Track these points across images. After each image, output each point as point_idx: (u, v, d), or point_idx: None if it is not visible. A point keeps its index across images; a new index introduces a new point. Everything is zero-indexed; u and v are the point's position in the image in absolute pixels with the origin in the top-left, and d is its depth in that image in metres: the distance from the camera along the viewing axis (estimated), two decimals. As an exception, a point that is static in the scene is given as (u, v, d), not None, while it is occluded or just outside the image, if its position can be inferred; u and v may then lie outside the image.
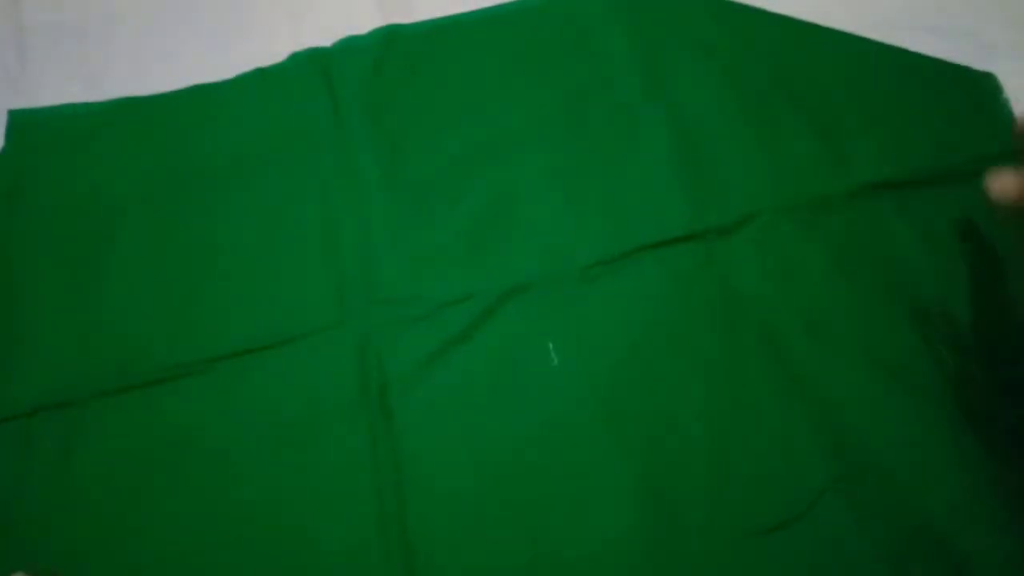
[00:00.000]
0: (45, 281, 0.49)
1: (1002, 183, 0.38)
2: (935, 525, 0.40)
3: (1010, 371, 0.44)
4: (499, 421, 0.44)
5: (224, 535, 0.41)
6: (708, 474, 0.42)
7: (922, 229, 0.49)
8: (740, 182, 0.51)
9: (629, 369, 0.45)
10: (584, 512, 0.42)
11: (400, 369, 0.46)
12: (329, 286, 0.49)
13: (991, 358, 0.45)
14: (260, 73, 0.57)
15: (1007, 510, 0.40)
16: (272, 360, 0.46)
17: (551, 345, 0.46)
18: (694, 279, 0.48)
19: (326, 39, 0.59)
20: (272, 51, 0.59)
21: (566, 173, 0.52)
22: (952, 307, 0.47)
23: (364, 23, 0.60)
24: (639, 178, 0.51)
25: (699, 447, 0.43)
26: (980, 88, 0.54)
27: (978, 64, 0.54)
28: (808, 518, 0.41)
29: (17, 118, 0.55)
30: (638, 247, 0.49)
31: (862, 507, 0.41)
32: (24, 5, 0.62)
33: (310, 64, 0.57)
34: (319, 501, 0.42)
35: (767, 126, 0.53)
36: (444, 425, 0.44)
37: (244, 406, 0.45)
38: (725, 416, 0.44)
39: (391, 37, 0.58)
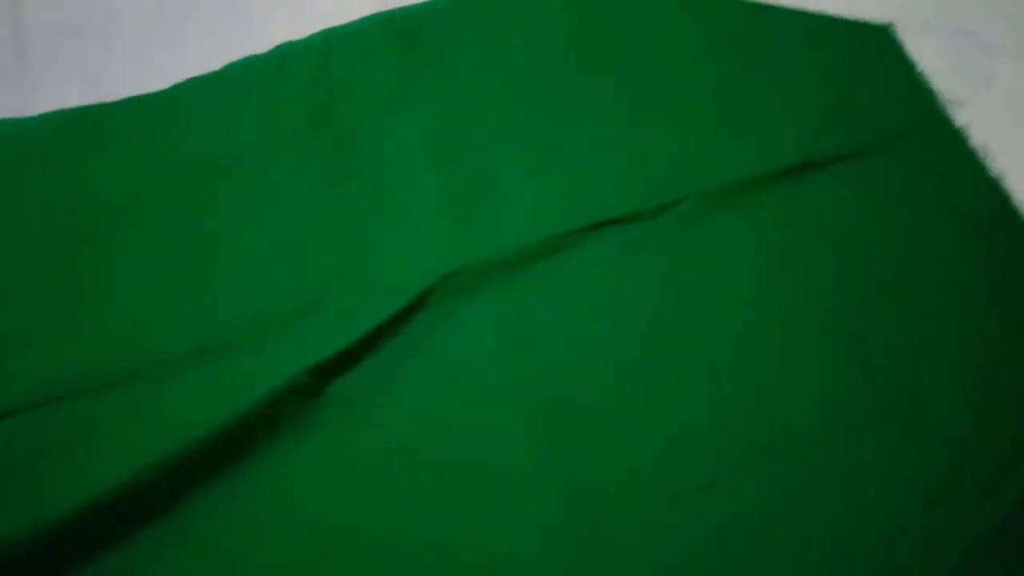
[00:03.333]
0: (35, 281, 0.49)
1: None
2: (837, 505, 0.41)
3: None
4: (428, 409, 0.45)
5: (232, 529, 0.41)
6: (633, 439, 0.43)
7: (847, 204, 0.51)
8: (678, 165, 0.52)
9: (560, 349, 0.46)
10: (505, 498, 0.42)
11: (329, 358, 0.46)
12: (298, 278, 0.49)
13: None
14: (217, 77, 0.57)
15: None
16: (262, 343, 0.46)
17: (485, 330, 0.47)
18: (633, 260, 0.49)
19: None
20: (270, 45, 0.59)
21: (526, 151, 0.53)
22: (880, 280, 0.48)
23: (364, 22, 0.61)
24: (590, 159, 0.53)
25: (627, 416, 0.44)
26: (882, 46, 0.56)
27: (978, 64, 0.54)
28: (723, 483, 0.42)
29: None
30: (584, 227, 0.50)
31: (774, 479, 0.42)
32: (24, 5, 0.61)
33: (248, 70, 0.57)
34: (332, 499, 0.42)
35: (710, 103, 0.55)
36: (376, 419, 0.45)
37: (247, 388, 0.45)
38: (654, 386, 0.45)
39: (331, 41, 0.59)
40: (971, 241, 0.49)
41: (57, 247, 0.50)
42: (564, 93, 0.56)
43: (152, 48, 0.60)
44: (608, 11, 0.59)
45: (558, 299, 0.48)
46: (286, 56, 0.58)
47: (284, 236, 0.51)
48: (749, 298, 0.48)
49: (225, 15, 0.62)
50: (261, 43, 0.60)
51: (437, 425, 0.44)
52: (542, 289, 0.48)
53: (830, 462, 0.43)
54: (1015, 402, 0.44)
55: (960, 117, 0.53)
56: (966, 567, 0.40)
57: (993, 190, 0.51)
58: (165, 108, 0.56)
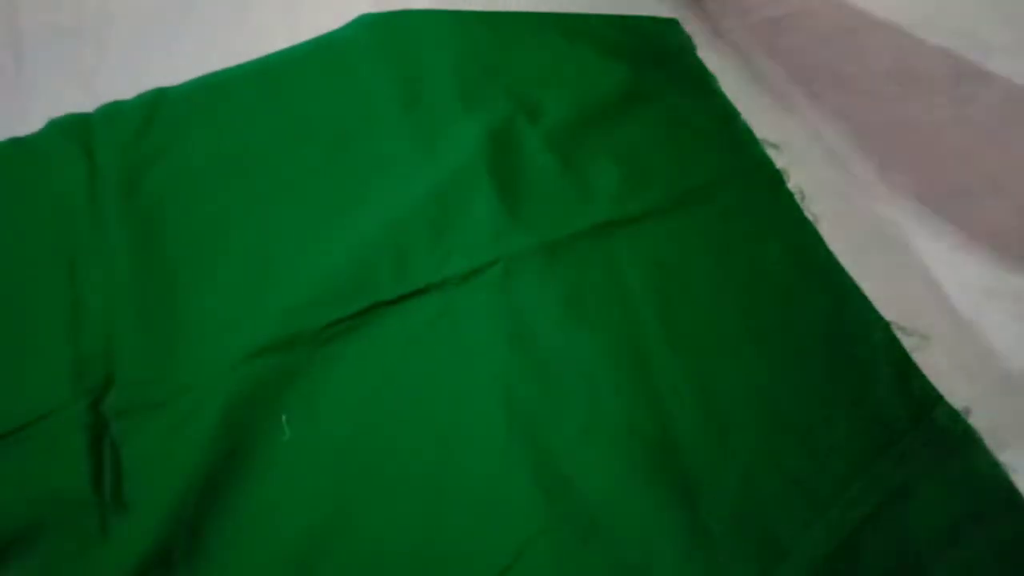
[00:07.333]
0: None
1: None
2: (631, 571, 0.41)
3: None
4: (226, 503, 0.43)
5: None
6: (424, 530, 0.42)
7: (653, 260, 0.50)
8: (484, 229, 0.51)
9: (359, 436, 0.45)
10: None
11: (136, 459, 0.43)
12: (65, 366, 0.46)
13: None
14: (15, 143, 0.54)
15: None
16: None
17: (285, 417, 0.45)
18: (429, 332, 0.47)
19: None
20: (267, 51, 0.59)
21: (318, 226, 0.51)
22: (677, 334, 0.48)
23: (359, 23, 0.60)
24: (389, 229, 0.51)
25: (417, 504, 0.43)
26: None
27: (978, 64, 0.53)
28: (516, 569, 0.41)
29: None
30: (376, 303, 0.48)
31: (565, 556, 0.41)
32: (20, 6, 0.62)
33: (69, 132, 0.54)
34: None
35: (515, 162, 0.53)
36: (177, 509, 0.42)
37: None
38: (446, 470, 0.43)
39: (157, 100, 0.56)
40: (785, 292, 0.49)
41: None
42: (364, 163, 0.54)
43: (148, 50, 0.60)
44: (413, 63, 0.58)
45: (362, 376, 0.46)
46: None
47: (45, 323, 0.48)
48: (559, 356, 0.47)
49: (221, 18, 0.62)
50: (256, 46, 0.60)
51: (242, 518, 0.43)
52: (346, 368, 0.47)
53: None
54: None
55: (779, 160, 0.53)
56: None
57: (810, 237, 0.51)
58: None
